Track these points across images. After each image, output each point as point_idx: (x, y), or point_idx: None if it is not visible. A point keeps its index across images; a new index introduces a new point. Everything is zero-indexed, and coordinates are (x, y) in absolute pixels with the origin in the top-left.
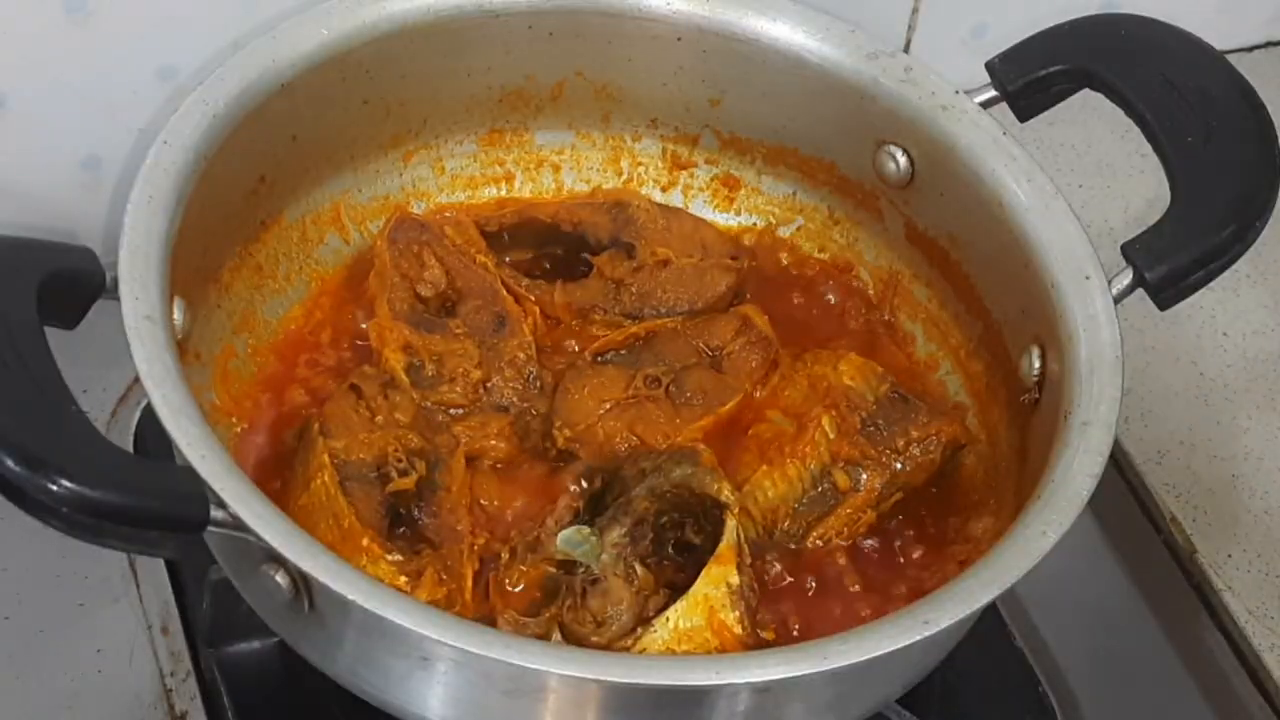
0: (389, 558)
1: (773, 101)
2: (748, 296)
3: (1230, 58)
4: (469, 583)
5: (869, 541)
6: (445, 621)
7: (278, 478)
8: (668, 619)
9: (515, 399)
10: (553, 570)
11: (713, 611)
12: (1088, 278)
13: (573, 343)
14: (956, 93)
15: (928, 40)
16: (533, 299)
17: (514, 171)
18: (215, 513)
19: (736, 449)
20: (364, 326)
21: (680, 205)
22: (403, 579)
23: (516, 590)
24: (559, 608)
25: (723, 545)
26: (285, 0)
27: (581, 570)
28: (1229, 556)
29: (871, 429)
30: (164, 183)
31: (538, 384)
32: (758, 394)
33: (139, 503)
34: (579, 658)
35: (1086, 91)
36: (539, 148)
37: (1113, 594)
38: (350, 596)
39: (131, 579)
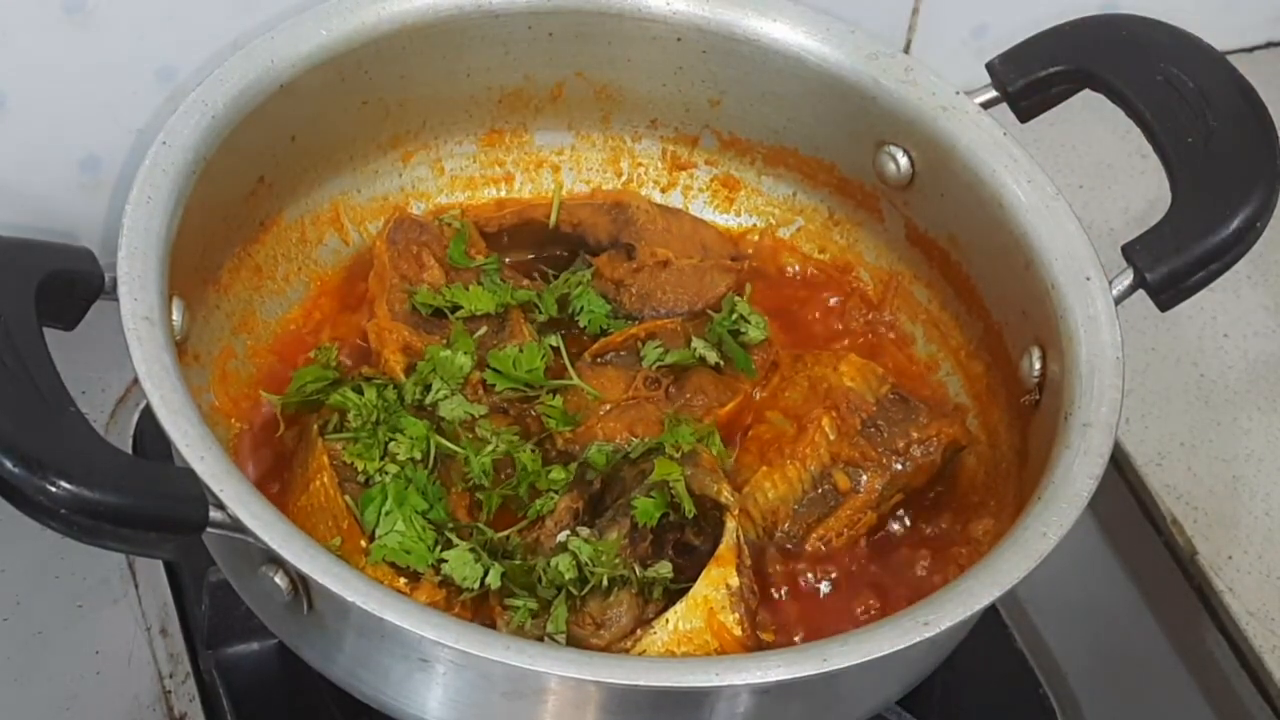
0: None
1: (773, 102)
2: (748, 297)
3: (1230, 58)
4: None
5: (869, 542)
6: (445, 623)
7: (277, 479)
8: (667, 620)
9: (515, 399)
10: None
11: (712, 613)
12: (1088, 278)
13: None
14: (957, 93)
15: (928, 40)
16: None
17: (513, 172)
18: (214, 514)
19: (737, 450)
20: (366, 329)
21: (680, 206)
22: (402, 580)
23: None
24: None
25: (722, 547)
26: (284, 1)
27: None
28: (1230, 558)
29: (872, 430)
30: (163, 183)
31: (538, 385)
32: (758, 395)
33: (137, 504)
34: (579, 659)
35: (1087, 92)
36: (539, 148)
37: (1113, 595)
38: (349, 598)
39: (130, 580)
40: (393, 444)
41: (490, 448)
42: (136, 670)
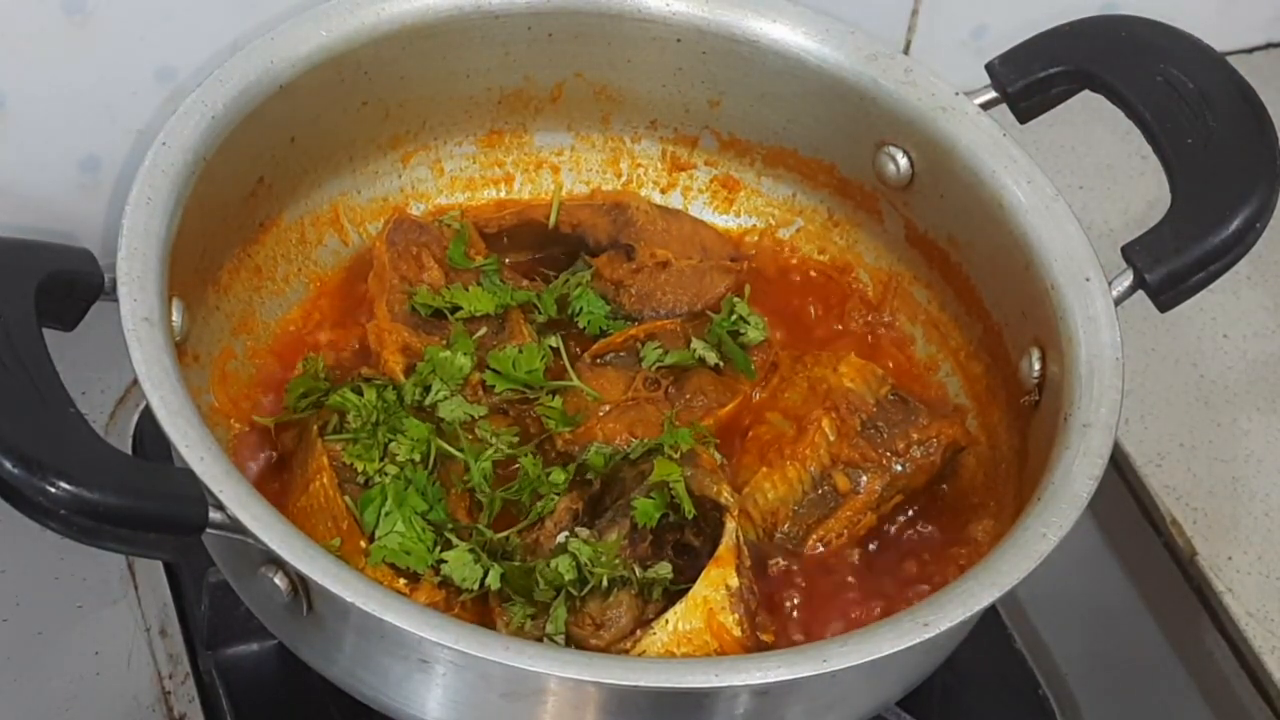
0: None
1: (772, 103)
2: (748, 298)
3: (1230, 59)
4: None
5: (869, 543)
6: (444, 624)
7: (276, 479)
8: (667, 621)
9: (515, 400)
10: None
11: (712, 614)
12: (1088, 279)
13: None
14: (956, 94)
15: (928, 41)
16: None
17: (513, 173)
18: (214, 515)
19: (736, 451)
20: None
21: (680, 207)
22: (401, 581)
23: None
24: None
25: (722, 547)
26: (284, 1)
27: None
28: (1229, 558)
29: (871, 431)
30: (162, 184)
31: (538, 386)
32: (757, 396)
33: (137, 505)
34: (578, 660)
35: (1087, 93)
36: (538, 149)
37: (1113, 596)
38: (349, 599)
39: (130, 581)
40: (393, 444)
41: (490, 451)
42: (136, 670)
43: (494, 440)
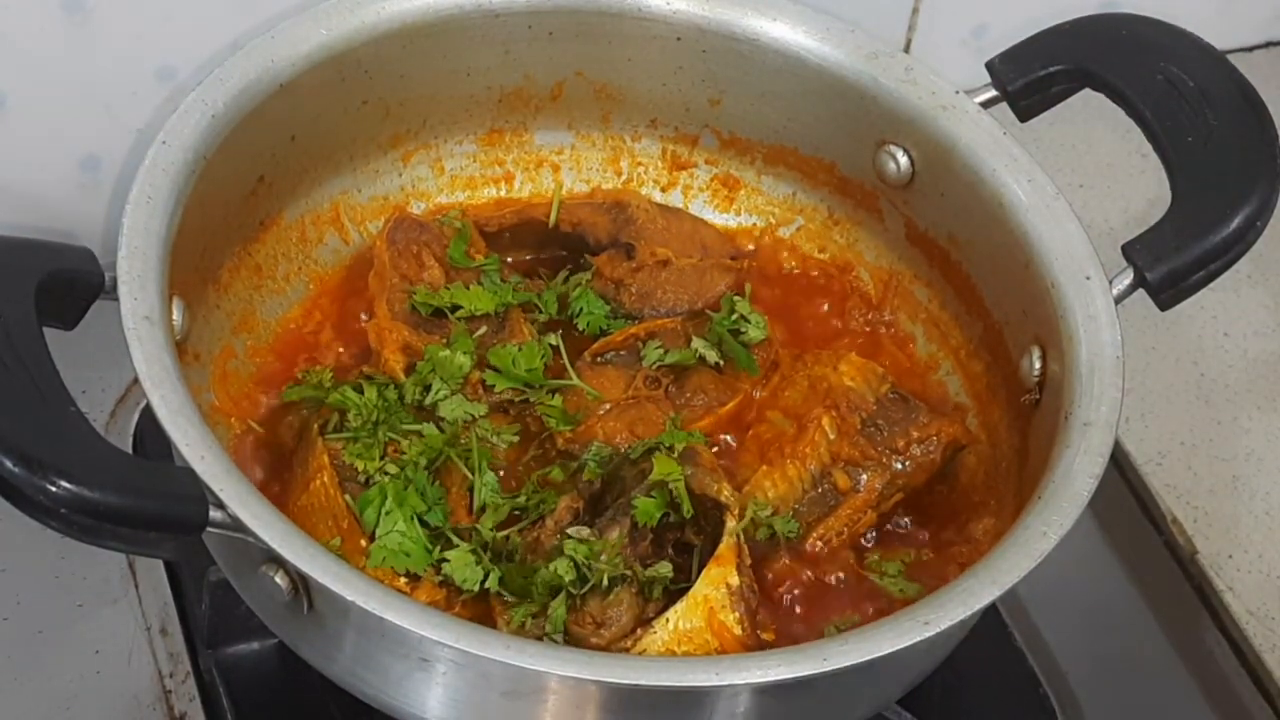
0: None
1: (772, 101)
2: (748, 296)
3: (1230, 58)
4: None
5: (869, 542)
6: (445, 622)
7: (277, 478)
8: (667, 620)
9: (515, 399)
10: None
11: (712, 612)
12: (1088, 278)
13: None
14: (957, 93)
15: (928, 40)
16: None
17: (514, 172)
18: (214, 514)
19: (737, 449)
20: (364, 323)
21: (680, 205)
22: (402, 580)
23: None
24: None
25: (722, 546)
26: (284, 1)
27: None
28: (1230, 557)
29: (872, 429)
30: (163, 183)
31: (538, 384)
32: (758, 394)
33: (137, 504)
34: (578, 659)
35: (1087, 91)
36: (539, 148)
37: (1114, 595)
38: (349, 597)
39: (130, 580)
40: (404, 443)
41: (494, 480)
42: (136, 670)
43: (495, 440)
